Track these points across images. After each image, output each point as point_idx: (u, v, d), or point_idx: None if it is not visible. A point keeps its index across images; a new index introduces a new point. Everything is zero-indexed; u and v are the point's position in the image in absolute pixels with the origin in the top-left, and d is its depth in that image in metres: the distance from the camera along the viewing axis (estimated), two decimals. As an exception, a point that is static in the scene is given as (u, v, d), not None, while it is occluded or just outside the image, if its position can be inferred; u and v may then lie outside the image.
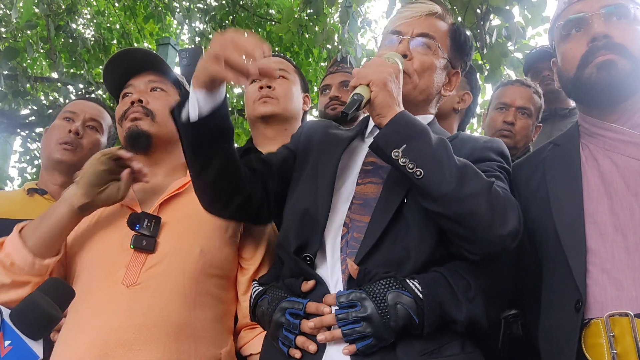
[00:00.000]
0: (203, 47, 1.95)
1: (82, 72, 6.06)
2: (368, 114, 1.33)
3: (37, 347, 0.98)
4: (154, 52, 1.66)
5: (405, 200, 1.17)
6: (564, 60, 1.33)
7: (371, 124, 1.38)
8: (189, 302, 1.36)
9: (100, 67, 6.78)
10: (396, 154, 1.09)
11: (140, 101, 1.55)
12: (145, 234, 1.38)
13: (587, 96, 1.28)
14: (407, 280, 1.11)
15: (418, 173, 1.07)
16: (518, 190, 1.38)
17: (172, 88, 1.64)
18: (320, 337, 1.11)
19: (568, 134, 1.38)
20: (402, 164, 1.09)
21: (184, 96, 1.18)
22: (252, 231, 1.53)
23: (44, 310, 1.00)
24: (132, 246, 1.36)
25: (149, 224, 1.38)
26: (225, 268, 1.46)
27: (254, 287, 1.36)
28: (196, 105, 1.13)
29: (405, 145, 1.09)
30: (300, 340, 1.14)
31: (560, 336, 1.16)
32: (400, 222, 1.17)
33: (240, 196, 1.28)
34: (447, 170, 1.08)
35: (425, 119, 1.38)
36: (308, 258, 1.21)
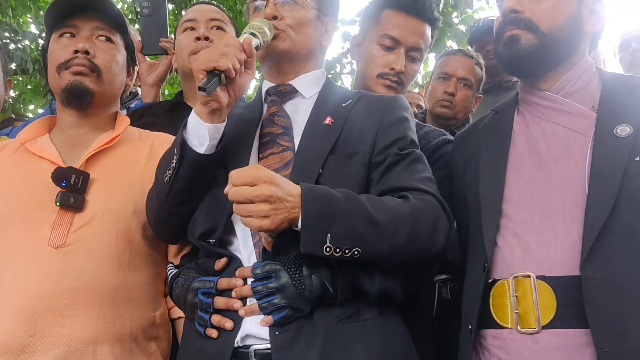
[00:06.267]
0: None
1: (7, 19, 5.67)
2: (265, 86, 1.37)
3: None
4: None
5: (321, 171, 1.17)
6: None
7: (264, 92, 1.37)
8: (123, 264, 1.31)
9: (28, 14, 6.35)
10: (328, 250, 1.04)
11: (87, 53, 1.39)
12: (73, 191, 1.29)
13: (504, 68, 1.34)
14: None
15: (356, 253, 1.06)
16: (459, 156, 1.41)
17: (119, 39, 1.49)
18: (241, 312, 1.11)
19: (507, 103, 1.41)
20: (337, 255, 1.05)
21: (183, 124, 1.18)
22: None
23: None
24: (58, 203, 1.28)
25: (76, 180, 1.30)
26: (159, 228, 1.41)
27: (169, 269, 1.34)
28: (206, 137, 1.15)
29: (329, 235, 1.04)
30: (215, 318, 1.14)
31: (472, 296, 1.20)
32: None
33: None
34: (373, 234, 1.06)
35: (315, 75, 1.38)
36: (211, 242, 1.19)
